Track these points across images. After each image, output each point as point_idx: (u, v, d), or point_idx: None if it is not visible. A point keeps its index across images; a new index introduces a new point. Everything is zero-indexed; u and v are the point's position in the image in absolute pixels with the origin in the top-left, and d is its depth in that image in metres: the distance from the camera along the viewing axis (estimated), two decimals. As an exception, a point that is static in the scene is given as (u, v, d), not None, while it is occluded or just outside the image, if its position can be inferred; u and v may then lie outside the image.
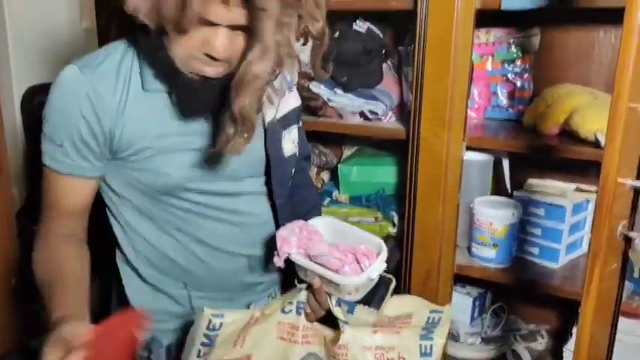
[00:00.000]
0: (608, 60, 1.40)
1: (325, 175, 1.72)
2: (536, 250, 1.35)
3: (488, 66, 1.44)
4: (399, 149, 1.55)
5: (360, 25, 1.49)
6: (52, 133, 0.91)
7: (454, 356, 1.47)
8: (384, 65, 1.51)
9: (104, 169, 0.95)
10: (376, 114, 1.43)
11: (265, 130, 1.00)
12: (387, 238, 1.47)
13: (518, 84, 1.44)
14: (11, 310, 1.55)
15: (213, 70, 0.84)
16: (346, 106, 1.45)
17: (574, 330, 1.33)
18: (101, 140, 0.91)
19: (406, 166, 1.31)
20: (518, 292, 1.42)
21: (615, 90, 0.68)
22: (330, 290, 0.91)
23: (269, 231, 1.03)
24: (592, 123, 1.18)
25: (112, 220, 1.02)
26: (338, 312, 0.92)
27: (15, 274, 1.55)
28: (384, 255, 0.90)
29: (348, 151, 1.71)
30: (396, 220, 1.47)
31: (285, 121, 1.04)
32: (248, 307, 1.07)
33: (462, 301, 1.50)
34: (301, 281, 0.94)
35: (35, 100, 2.22)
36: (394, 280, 0.95)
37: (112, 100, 0.89)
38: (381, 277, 0.93)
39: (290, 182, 1.08)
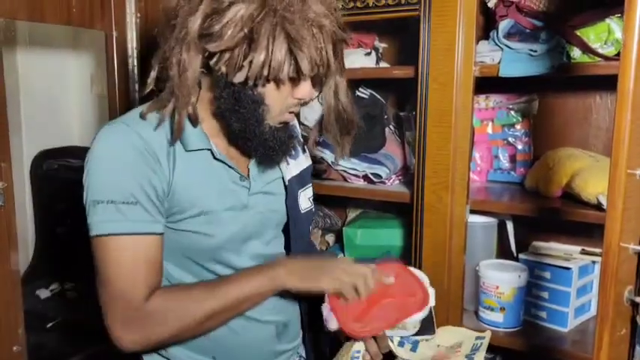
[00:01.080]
0: (605, 124, 1.43)
1: (330, 238, 1.73)
2: (544, 314, 1.33)
3: (489, 130, 1.48)
4: (403, 212, 1.57)
5: (363, 92, 1.54)
6: (119, 196, 0.86)
7: None
8: (387, 130, 1.55)
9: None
10: (380, 177, 1.45)
11: (286, 188, 1.04)
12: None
13: (519, 147, 1.48)
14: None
15: (292, 116, 0.95)
16: (351, 170, 1.47)
17: (588, 399, 1.29)
18: (165, 194, 0.90)
19: (411, 229, 1.32)
20: (527, 357, 1.38)
21: (613, 157, 0.70)
22: (394, 332, 0.96)
23: (293, 295, 1.01)
24: (594, 186, 1.19)
25: None
26: (401, 352, 0.98)
27: (19, 342, 1.53)
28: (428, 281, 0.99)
29: (352, 214, 1.72)
30: (402, 283, 1.46)
31: (301, 179, 1.07)
32: None
33: (472, 367, 1.46)
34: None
35: (44, 165, 2.26)
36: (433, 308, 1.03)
37: (164, 160, 0.90)
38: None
39: (306, 239, 1.12)
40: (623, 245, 0.70)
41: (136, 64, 1.69)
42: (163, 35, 0.89)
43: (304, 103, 0.94)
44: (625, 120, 0.69)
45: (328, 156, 1.49)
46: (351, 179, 1.50)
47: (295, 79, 0.88)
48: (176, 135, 0.89)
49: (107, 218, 0.86)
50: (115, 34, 1.65)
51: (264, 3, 0.81)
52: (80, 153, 2.27)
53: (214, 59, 0.85)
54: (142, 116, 0.90)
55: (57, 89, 2.36)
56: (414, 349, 0.99)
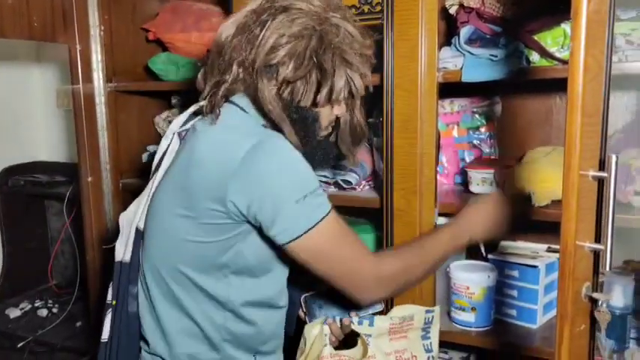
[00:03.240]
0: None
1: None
2: (514, 312, 1.36)
3: (455, 133, 1.51)
4: (374, 216, 1.59)
5: (331, 100, 1.55)
6: (314, 184, 0.96)
7: None
8: (356, 136, 1.57)
9: None
10: (350, 183, 1.47)
11: None
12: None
13: (485, 150, 1.51)
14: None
15: (329, 130, 1.10)
16: (321, 177, 1.48)
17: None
18: None
19: (381, 233, 1.33)
20: (500, 355, 1.41)
21: (566, 160, 0.73)
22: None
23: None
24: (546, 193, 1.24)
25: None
26: (361, 329, 1.13)
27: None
28: None
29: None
30: (375, 287, 1.48)
31: None
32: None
33: (446, 367, 1.49)
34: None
35: (10, 181, 2.22)
36: None
37: None
38: None
39: None
40: (579, 244, 0.73)
41: (101, 76, 1.67)
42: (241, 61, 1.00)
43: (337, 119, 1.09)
44: (576, 123, 0.72)
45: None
46: (321, 186, 1.51)
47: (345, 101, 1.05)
48: (296, 147, 1.00)
49: (317, 204, 0.95)
50: (78, 47, 1.64)
51: (323, 39, 0.97)
52: (47, 168, 2.26)
53: (284, 86, 0.99)
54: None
55: (21, 103, 2.32)
56: (371, 324, 1.14)
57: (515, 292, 1.35)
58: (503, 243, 1.48)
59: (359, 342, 1.17)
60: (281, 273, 1.09)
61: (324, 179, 1.50)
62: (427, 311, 1.18)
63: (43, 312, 2.10)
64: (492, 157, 1.51)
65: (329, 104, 1.03)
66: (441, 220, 1.34)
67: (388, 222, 1.31)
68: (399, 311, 1.17)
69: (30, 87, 2.34)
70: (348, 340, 1.19)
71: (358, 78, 1.01)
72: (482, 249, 1.41)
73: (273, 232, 0.94)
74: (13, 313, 2.14)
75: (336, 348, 1.17)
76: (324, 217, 0.95)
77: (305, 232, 0.93)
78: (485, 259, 1.42)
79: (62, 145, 2.37)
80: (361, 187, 1.49)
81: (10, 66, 2.27)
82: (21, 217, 2.23)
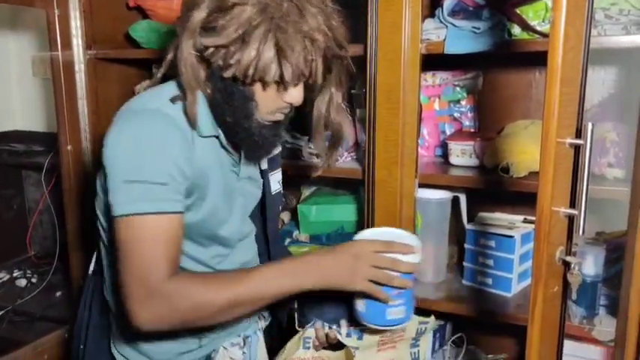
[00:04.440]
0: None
1: (285, 216, 1.75)
2: (489, 281, 1.40)
3: (436, 106, 1.53)
4: (356, 188, 1.61)
5: (314, 71, 1.55)
6: (152, 176, 0.88)
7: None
8: (339, 108, 1.58)
9: None
10: (332, 154, 1.48)
11: (262, 173, 1.14)
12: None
13: (465, 123, 1.53)
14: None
15: (283, 116, 1.00)
16: (305, 147, 1.49)
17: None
18: (190, 175, 0.95)
19: (363, 204, 1.35)
20: (476, 323, 1.46)
21: (544, 128, 0.75)
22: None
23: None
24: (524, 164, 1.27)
25: None
26: (349, 341, 1.08)
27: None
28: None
29: (306, 192, 1.75)
30: (355, 257, 1.51)
31: (272, 163, 1.17)
32: (240, 335, 1.13)
33: (423, 335, 1.53)
34: (300, 325, 1.11)
35: (-12, 150, 2.18)
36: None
37: (187, 135, 0.95)
38: None
39: (278, 220, 1.21)
40: (555, 209, 0.76)
41: (80, 43, 1.64)
42: (179, 23, 0.94)
43: (294, 107, 1.00)
44: (555, 93, 0.74)
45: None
46: (304, 157, 1.52)
47: (282, 84, 0.94)
48: (192, 120, 0.94)
49: (137, 197, 0.88)
50: (56, 11, 1.60)
51: (264, 9, 0.87)
52: (24, 137, 2.22)
53: (209, 52, 0.91)
54: (172, 100, 0.96)
55: (-4, 72, 2.27)
56: (360, 338, 1.09)
57: (491, 262, 1.39)
58: (481, 214, 1.51)
59: (345, 349, 1.12)
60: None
61: (307, 149, 1.50)
62: (421, 322, 1.15)
63: (22, 282, 2.08)
64: (472, 130, 1.54)
65: (259, 84, 0.93)
66: (428, 194, 1.37)
67: (370, 192, 1.33)
68: None
69: (5, 55, 2.28)
70: (335, 346, 1.14)
71: (292, 62, 0.88)
72: (465, 220, 1.45)
73: (109, 201, 0.91)
74: (-8, 281, 2.12)
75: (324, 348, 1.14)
76: (147, 214, 0.87)
77: (126, 215, 0.88)
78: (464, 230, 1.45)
79: (39, 114, 2.32)
80: (343, 158, 1.51)
81: (-17, 32, 2.21)
82: (-2, 187, 2.20)
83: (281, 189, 1.21)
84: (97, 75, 1.71)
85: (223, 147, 1.02)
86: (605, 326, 1.26)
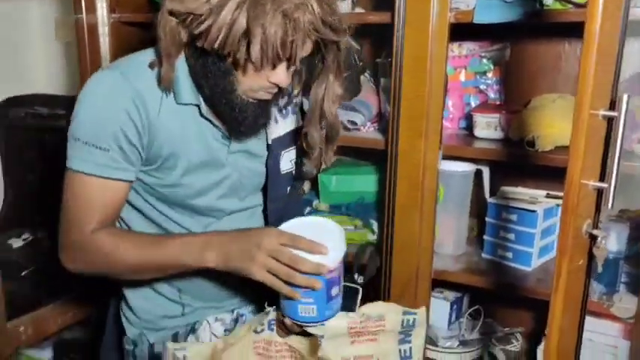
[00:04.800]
0: (574, 71, 1.47)
1: (306, 185, 1.75)
2: (509, 254, 1.40)
3: (462, 78, 1.50)
4: (377, 158, 1.60)
5: (339, 39, 1.53)
6: (94, 138, 0.90)
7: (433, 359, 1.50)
8: (362, 77, 1.56)
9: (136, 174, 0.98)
10: (356, 124, 1.47)
11: (268, 148, 1.06)
12: (366, 246, 1.50)
13: (491, 95, 1.51)
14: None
15: (269, 96, 0.94)
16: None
17: (547, 331, 1.38)
18: (144, 142, 0.93)
19: (385, 175, 1.35)
20: (494, 296, 1.46)
21: (578, 99, 0.73)
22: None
23: None
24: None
25: (129, 217, 1.04)
26: (312, 329, 0.94)
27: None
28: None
29: (327, 161, 1.75)
30: (375, 227, 1.51)
31: (287, 140, 1.08)
32: (233, 312, 1.10)
33: (440, 306, 1.54)
34: (271, 305, 0.98)
35: (10, 112, 2.21)
36: (360, 290, 0.99)
37: (151, 104, 0.92)
38: (348, 288, 0.98)
39: (284, 200, 1.12)
40: (584, 182, 0.75)
41: (104, 6, 1.64)
42: None
43: (281, 89, 0.93)
44: (590, 63, 0.72)
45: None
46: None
47: (253, 64, 0.86)
48: (164, 85, 0.91)
49: (80, 156, 0.92)
50: (81, -25, 1.60)
51: None
52: (47, 101, 2.23)
53: (183, 18, 0.86)
54: (150, 66, 0.93)
55: (19, 35, 2.27)
56: (323, 324, 0.95)
57: (512, 235, 1.39)
58: (504, 188, 1.50)
59: (311, 337, 0.99)
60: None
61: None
62: (406, 312, 0.99)
63: (46, 242, 2.13)
64: (498, 102, 1.51)
65: (231, 60, 0.87)
66: (451, 166, 1.35)
67: (392, 163, 1.32)
68: (366, 308, 0.98)
69: (28, 18, 2.29)
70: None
71: (260, 41, 0.81)
72: (487, 194, 1.43)
73: None
74: (16, 243, 2.17)
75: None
76: (84, 173, 0.91)
77: (68, 169, 0.93)
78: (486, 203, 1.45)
79: (61, 78, 2.34)
80: (366, 128, 1.50)
81: (8, -6, 2.22)
82: (21, 149, 2.23)
83: (293, 169, 1.12)
84: (121, 38, 1.71)
85: (203, 116, 0.97)
86: (625, 303, 1.26)
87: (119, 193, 0.96)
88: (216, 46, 0.83)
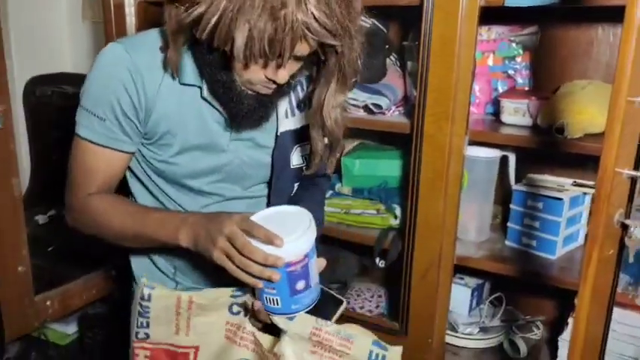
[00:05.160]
0: (606, 57, 1.43)
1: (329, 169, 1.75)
2: (534, 242, 1.39)
3: (490, 62, 1.48)
4: (401, 142, 1.59)
5: (365, 20, 1.51)
6: (93, 106, 0.93)
7: (453, 345, 1.51)
8: (388, 60, 1.55)
9: (137, 147, 0.99)
10: (381, 108, 1.46)
11: (276, 140, 1.03)
12: (388, 230, 1.51)
13: (519, 80, 1.48)
14: (21, 296, 1.58)
15: (268, 90, 0.91)
16: (351, 100, 1.47)
17: (570, 320, 1.37)
18: (141, 116, 0.94)
19: (409, 159, 1.34)
20: (515, 283, 1.45)
21: (615, 85, 0.72)
22: None
23: None
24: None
25: (132, 186, 1.07)
26: (277, 319, 0.90)
27: (24, 263, 1.57)
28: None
29: (349, 145, 1.74)
30: (398, 212, 1.51)
31: (301, 135, 1.04)
32: None
33: (461, 293, 1.53)
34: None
35: (37, 91, 2.23)
36: (344, 303, 0.96)
37: (150, 80, 0.93)
38: (331, 296, 0.95)
39: (289, 195, 1.09)
40: (618, 170, 0.73)
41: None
42: None
43: (281, 85, 0.89)
44: (630, 48, 0.70)
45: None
46: (350, 109, 1.50)
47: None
48: (171, 68, 0.91)
49: (82, 123, 0.95)
50: (109, -47, 1.60)
51: None
52: (74, 80, 2.25)
53: (183, 3, 0.83)
54: (160, 48, 0.93)
55: (47, 15, 2.29)
56: (290, 319, 0.90)
57: (537, 223, 1.37)
58: (530, 175, 1.48)
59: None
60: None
61: (353, 102, 1.48)
62: (376, 344, 0.90)
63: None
64: (526, 88, 1.49)
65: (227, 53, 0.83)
66: (476, 152, 1.34)
67: (417, 147, 1.31)
68: (339, 326, 0.91)
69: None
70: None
71: (243, 37, 0.78)
72: (513, 181, 1.41)
73: None
74: (42, 219, 2.21)
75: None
76: (81, 136, 0.95)
77: (75, 134, 0.97)
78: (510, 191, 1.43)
79: (88, 57, 2.35)
80: (391, 112, 1.48)
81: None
82: (48, 126, 2.26)
83: (304, 165, 1.06)
84: (147, 18, 1.71)
85: (204, 99, 0.95)
86: (651, 295, 1.24)
87: (116, 162, 0.98)
88: (204, 37, 0.81)
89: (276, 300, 0.88)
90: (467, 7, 1.21)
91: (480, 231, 1.46)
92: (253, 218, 0.87)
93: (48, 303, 1.66)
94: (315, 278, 0.89)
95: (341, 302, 0.95)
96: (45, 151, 2.27)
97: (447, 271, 1.38)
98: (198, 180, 1.01)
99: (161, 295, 0.95)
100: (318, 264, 0.91)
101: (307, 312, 0.90)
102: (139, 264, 1.11)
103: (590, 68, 1.46)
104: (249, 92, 0.90)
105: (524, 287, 1.57)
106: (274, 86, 0.89)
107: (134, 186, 1.06)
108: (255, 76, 0.87)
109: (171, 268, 1.08)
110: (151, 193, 1.05)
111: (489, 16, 1.32)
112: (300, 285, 0.87)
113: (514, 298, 1.61)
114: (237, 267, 0.85)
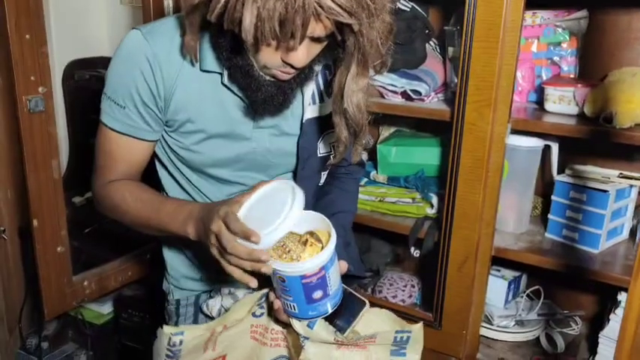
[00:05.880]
0: (658, 45, 1.37)
1: (363, 155, 1.73)
2: (576, 235, 1.34)
3: (534, 48, 1.43)
4: (439, 130, 1.55)
5: (405, 4, 1.48)
6: (113, 94, 0.93)
7: (488, 338, 1.48)
8: (428, 45, 1.51)
9: (160, 135, 0.99)
10: (420, 94, 1.43)
11: (301, 127, 1.00)
12: (424, 220, 1.48)
13: (564, 68, 1.43)
14: (59, 276, 1.61)
15: (287, 76, 0.87)
16: (389, 85, 1.45)
17: (611, 316, 1.33)
18: (160, 104, 0.94)
19: (449, 147, 1.31)
20: (553, 277, 1.41)
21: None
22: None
23: None
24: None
25: (160, 174, 1.07)
26: (297, 326, 0.89)
27: (63, 244, 1.60)
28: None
29: (385, 132, 1.71)
30: (434, 201, 1.48)
31: (329, 123, 0.99)
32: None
33: (497, 285, 1.50)
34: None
35: (76, 75, 2.27)
36: (367, 304, 0.92)
37: (168, 68, 0.91)
38: (354, 297, 0.92)
39: (317, 184, 1.07)
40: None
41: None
42: None
43: (301, 69, 0.86)
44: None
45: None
46: (388, 95, 1.48)
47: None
48: (188, 52, 0.89)
49: (105, 110, 0.96)
50: (148, -63, 1.60)
51: None
52: (111, 64, 2.29)
53: None
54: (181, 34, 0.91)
55: (85, 0, 2.32)
56: (310, 326, 0.89)
57: (580, 216, 1.33)
58: (573, 166, 1.43)
59: (293, 335, 0.93)
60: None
61: (391, 88, 1.46)
62: (399, 331, 0.92)
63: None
64: (572, 75, 1.43)
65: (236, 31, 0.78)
66: (518, 141, 1.30)
67: (457, 136, 1.28)
68: (360, 326, 0.92)
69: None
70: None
71: (251, 16, 0.73)
72: (555, 171, 1.36)
73: None
74: (79, 201, 2.26)
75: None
76: (104, 123, 0.96)
77: (99, 121, 0.97)
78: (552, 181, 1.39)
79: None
80: (430, 98, 1.45)
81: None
82: (86, 110, 2.29)
83: (332, 153, 1.03)
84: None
85: (225, 85, 0.93)
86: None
87: (138, 150, 0.98)
88: (213, 19, 0.78)
89: (293, 306, 0.86)
90: (513, -10, 1.16)
91: (519, 222, 1.43)
92: (245, 205, 0.83)
93: (85, 283, 1.70)
94: (334, 285, 0.87)
95: (364, 304, 0.92)
96: (82, 133, 2.30)
97: (484, 263, 1.35)
98: (222, 169, 0.99)
99: (193, 336, 0.94)
100: (339, 268, 0.88)
101: (327, 315, 0.88)
102: (168, 249, 1.11)
103: (640, 55, 1.40)
104: (268, 78, 0.87)
105: (563, 281, 1.52)
106: (293, 71, 0.86)
107: (162, 175, 1.06)
108: (271, 61, 0.83)
109: (199, 259, 1.08)
110: (177, 182, 1.04)
111: (533, 0, 1.27)
112: (317, 294, 0.85)
113: (552, 292, 1.57)
114: (230, 263, 0.82)
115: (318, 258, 0.82)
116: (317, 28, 0.77)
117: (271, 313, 0.93)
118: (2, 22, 1.35)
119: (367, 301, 0.92)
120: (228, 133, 0.96)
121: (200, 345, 0.94)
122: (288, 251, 0.86)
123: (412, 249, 1.49)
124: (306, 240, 0.87)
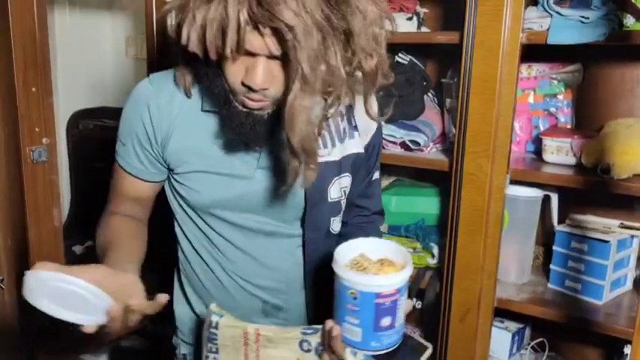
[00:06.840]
0: (653, 96, 1.40)
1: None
2: (579, 286, 1.33)
3: (531, 100, 1.45)
4: (439, 180, 1.56)
5: (403, 57, 1.52)
6: (121, 134, 0.99)
7: (493, 392, 1.44)
8: (426, 97, 1.54)
9: (162, 177, 1.01)
10: (418, 144, 1.44)
11: None
12: (425, 270, 1.47)
13: (561, 118, 1.45)
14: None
15: (254, 103, 0.84)
16: (388, 136, 1.47)
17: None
18: (156, 149, 0.96)
19: (449, 197, 1.31)
20: (558, 328, 1.39)
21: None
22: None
23: (294, 279, 1.01)
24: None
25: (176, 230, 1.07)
26: (351, 356, 0.85)
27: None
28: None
29: (385, 181, 1.72)
30: (435, 251, 1.47)
31: (343, 166, 0.97)
32: None
33: (501, 336, 1.47)
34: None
35: (80, 124, 2.30)
36: (430, 348, 0.89)
37: (167, 112, 0.93)
38: (415, 342, 0.89)
39: (327, 230, 1.02)
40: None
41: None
42: None
43: (257, 90, 0.81)
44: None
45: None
46: (387, 146, 1.49)
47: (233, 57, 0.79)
48: (185, 92, 0.93)
49: (116, 148, 1.01)
50: (154, -7, 1.65)
51: None
52: (115, 114, 2.31)
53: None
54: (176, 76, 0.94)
55: (92, 51, 2.38)
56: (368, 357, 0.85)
57: (582, 266, 1.32)
58: (573, 216, 1.43)
59: None
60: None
61: (390, 138, 1.47)
62: None
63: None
64: (568, 126, 1.45)
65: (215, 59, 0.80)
66: (517, 191, 1.30)
67: (457, 185, 1.29)
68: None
69: (101, 35, 2.40)
70: None
71: (189, 26, 0.76)
72: (555, 221, 1.36)
73: None
74: (79, 250, 2.25)
75: None
76: (114, 159, 1.02)
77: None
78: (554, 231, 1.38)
79: (129, 92, 2.43)
80: (429, 149, 1.47)
81: (83, 13, 2.33)
82: (89, 160, 2.32)
83: (343, 198, 0.99)
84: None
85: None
86: None
87: (139, 189, 1.01)
88: (183, 43, 0.78)
89: (357, 332, 0.82)
90: (508, 45, 1.20)
91: (521, 272, 1.41)
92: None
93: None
94: (400, 319, 0.84)
95: (426, 348, 0.89)
96: (85, 182, 2.32)
97: (486, 314, 1.33)
98: (225, 210, 0.97)
99: (228, 325, 0.92)
100: (406, 305, 0.85)
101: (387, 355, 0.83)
102: (176, 297, 1.10)
103: (636, 107, 1.43)
104: (240, 108, 0.85)
105: (568, 332, 1.50)
106: (258, 97, 0.82)
107: (177, 232, 1.04)
108: (233, 85, 0.83)
109: (202, 306, 1.05)
110: (186, 234, 1.03)
111: (529, 53, 1.30)
112: (386, 321, 0.81)
113: (557, 344, 1.54)
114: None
115: (397, 276, 0.79)
116: (256, 40, 0.76)
117: (318, 352, 0.88)
118: (10, 76, 1.37)
119: (430, 345, 0.87)
120: (228, 172, 0.94)
121: (236, 343, 0.91)
122: (364, 269, 0.83)
123: (414, 299, 1.47)
124: (383, 261, 0.85)
